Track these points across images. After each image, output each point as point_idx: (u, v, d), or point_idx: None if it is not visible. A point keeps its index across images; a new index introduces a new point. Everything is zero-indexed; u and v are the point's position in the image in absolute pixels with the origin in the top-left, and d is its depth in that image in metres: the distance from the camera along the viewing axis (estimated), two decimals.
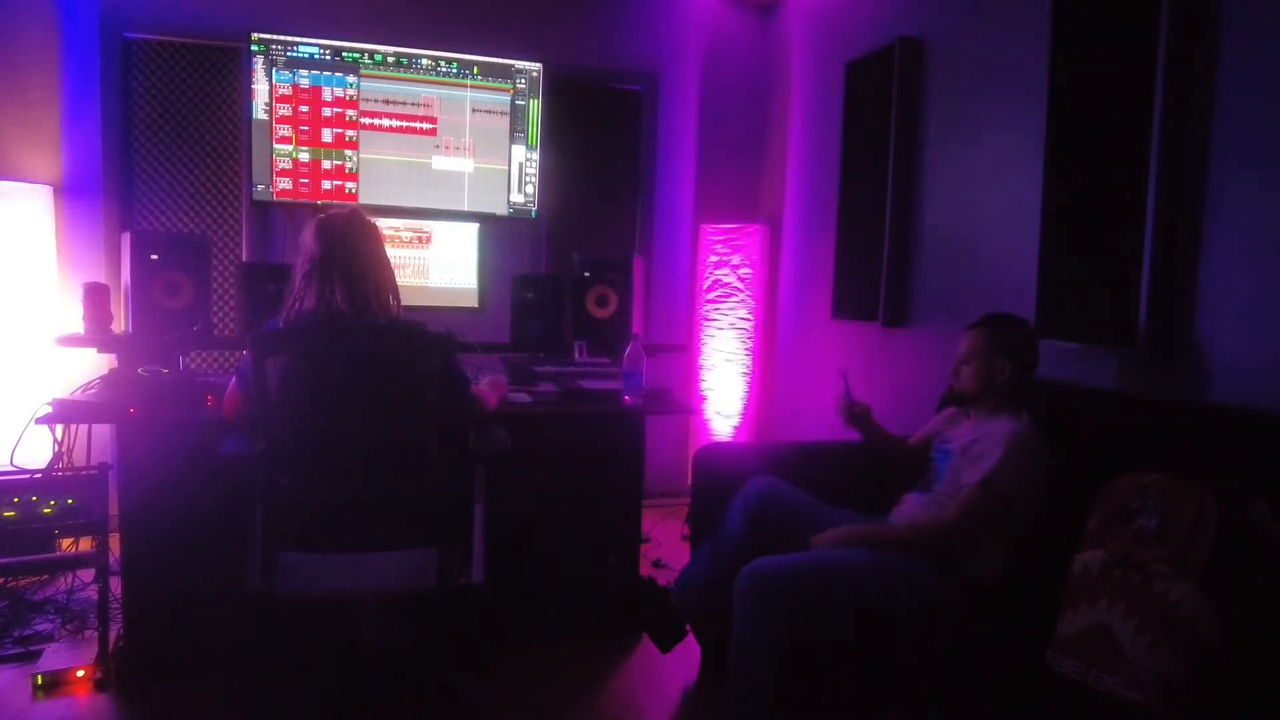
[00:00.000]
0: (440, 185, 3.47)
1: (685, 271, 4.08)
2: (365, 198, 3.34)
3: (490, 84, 3.48)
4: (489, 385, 2.29)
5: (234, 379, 1.93)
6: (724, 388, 3.90)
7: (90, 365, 3.02)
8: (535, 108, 3.54)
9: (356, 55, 3.32)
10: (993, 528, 1.84)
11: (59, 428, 2.29)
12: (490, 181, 3.53)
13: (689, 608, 2.16)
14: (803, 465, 2.31)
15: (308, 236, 1.85)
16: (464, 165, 3.48)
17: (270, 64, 3.21)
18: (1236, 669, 1.38)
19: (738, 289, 3.89)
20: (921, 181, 2.93)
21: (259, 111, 3.22)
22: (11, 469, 2.28)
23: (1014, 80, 2.47)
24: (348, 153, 3.35)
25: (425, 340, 1.80)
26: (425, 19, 3.57)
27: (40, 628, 2.41)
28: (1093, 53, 2.13)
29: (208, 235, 3.36)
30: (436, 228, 3.16)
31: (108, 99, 3.27)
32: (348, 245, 1.82)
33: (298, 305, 1.82)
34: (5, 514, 2.20)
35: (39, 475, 2.26)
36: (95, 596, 2.23)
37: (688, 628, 2.21)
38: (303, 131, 3.29)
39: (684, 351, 3.74)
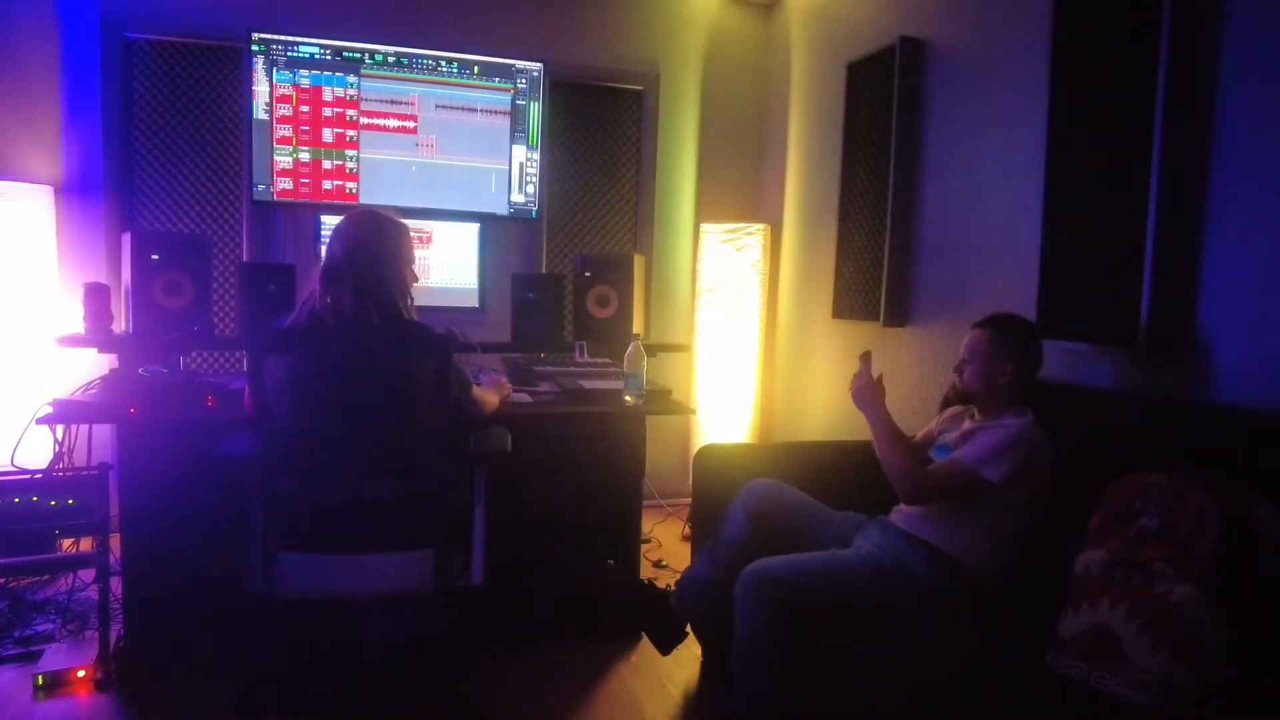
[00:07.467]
0: (440, 185, 3.46)
1: (685, 271, 4.08)
2: (365, 198, 3.33)
3: (491, 84, 3.48)
4: (491, 386, 2.29)
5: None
6: (724, 388, 3.90)
7: (91, 365, 3.02)
8: (536, 107, 3.54)
9: (357, 55, 3.32)
10: (966, 512, 1.83)
11: (59, 428, 2.29)
12: (490, 181, 3.53)
13: (690, 609, 2.16)
14: (803, 465, 2.31)
15: (330, 237, 1.91)
16: (463, 164, 3.48)
17: (271, 64, 3.21)
18: (1239, 670, 1.38)
19: (738, 289, 3.88)
20: (922, 181, 2.92)
21: (259, 111, 3.22)
22: (12, 469, 2.28)
23: (1015, 79, 2.47)
24: (348, 153, 3.35)
25: (424, 342, 1.79)
26: (426, 19, 3.56)
27: (41, 628, 2.41)
28: (1094, 51, 2.12)
29: (208, 235, 3.36)
30: (437, 228, 3.16)
31: (108, 99, 3.27)
32: (357, 249, 1.85)
33: (309, 306, 1.84)
34: (6, 514, 2.20)
35: (40, 475, 2.26)
36: (96, 597, 2.23)
37: (688, 629, 2.21)
38: (303, 131, 3.28)
39: (684, 351, 3.74)
